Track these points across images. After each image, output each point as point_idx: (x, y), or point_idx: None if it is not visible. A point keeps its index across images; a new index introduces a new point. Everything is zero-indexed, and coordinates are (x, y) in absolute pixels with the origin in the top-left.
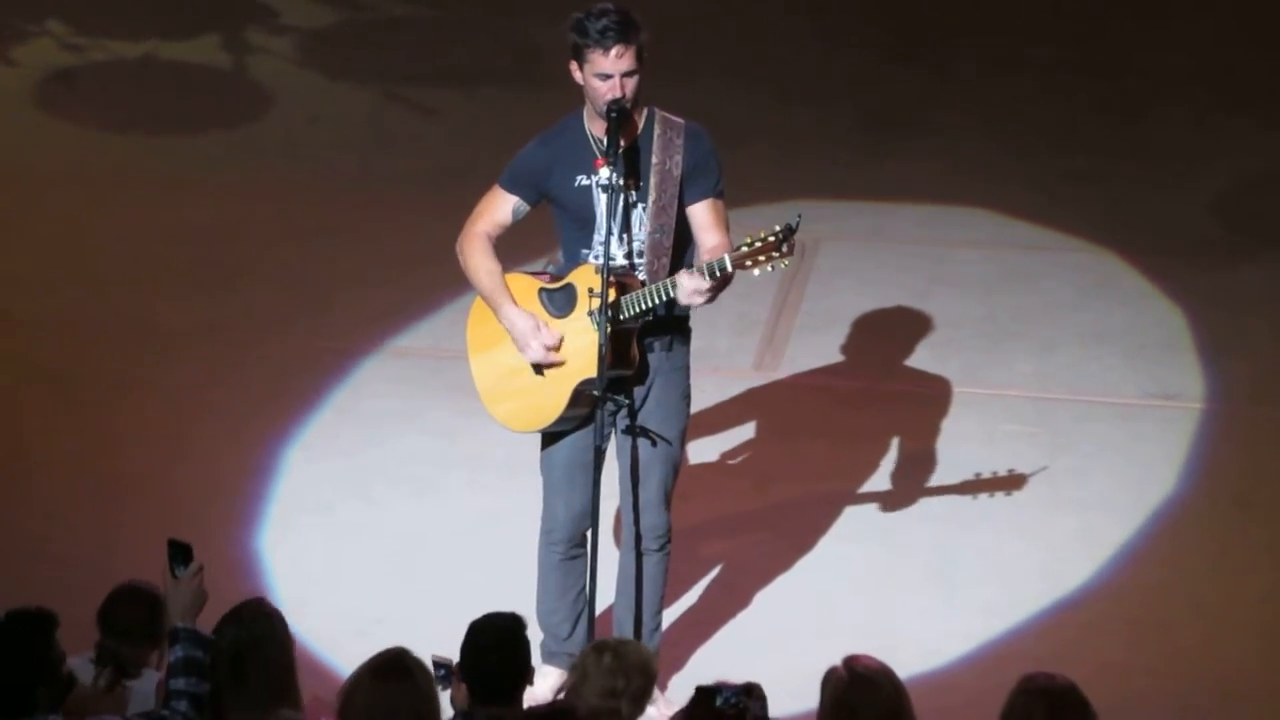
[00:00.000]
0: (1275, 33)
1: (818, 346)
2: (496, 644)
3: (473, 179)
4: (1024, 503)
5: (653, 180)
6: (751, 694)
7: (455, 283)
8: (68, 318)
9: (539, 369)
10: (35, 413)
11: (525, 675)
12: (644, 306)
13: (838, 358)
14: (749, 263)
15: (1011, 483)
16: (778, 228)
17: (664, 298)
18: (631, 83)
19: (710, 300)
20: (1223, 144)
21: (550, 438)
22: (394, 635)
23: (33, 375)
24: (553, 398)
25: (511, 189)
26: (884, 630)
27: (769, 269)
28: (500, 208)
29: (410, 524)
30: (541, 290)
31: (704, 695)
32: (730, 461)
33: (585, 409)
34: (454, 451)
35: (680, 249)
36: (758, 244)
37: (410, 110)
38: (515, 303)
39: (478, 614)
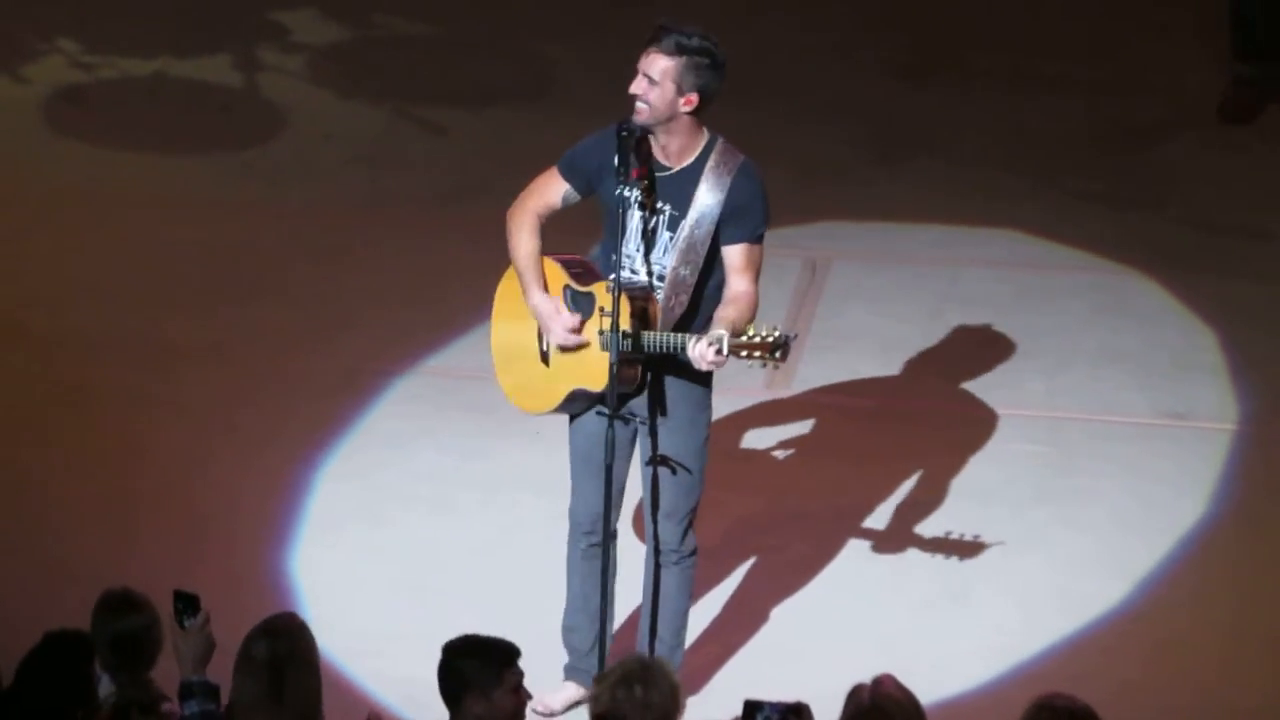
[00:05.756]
0: None
1: (829, 365)
2: (455, 651)
3: (484, 198)
4: (1037, 522)
5: (690, 214)
6: (800, 714)
7: (466, 302)
8: (79, 335)
9: (545, 359)
10: (50, 430)
11: (467, 689)
12: (655, 349)
13: (849, 377)
14: (743, 353)
15: (1024, 502)
16: (774, 335)
17: (676, 349)
18: (653, 92)
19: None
20: (1237, 161)
21: (573, 422)
22: (408, 654)
23: (47, 392)
24: (548, 393)
25: (565, 175)
26: (899, 649)
27: (760, 365)
28: (553, 190)
29: (423, 543)
30: (567, 287)
31: (749, 710)
32: (742, 480)
33: (581, 406)
34: (467, 470)
35: (711, 285)
36: (756, 340)
37: (421, 129)
38: (543, 288)
39: (490, 632)
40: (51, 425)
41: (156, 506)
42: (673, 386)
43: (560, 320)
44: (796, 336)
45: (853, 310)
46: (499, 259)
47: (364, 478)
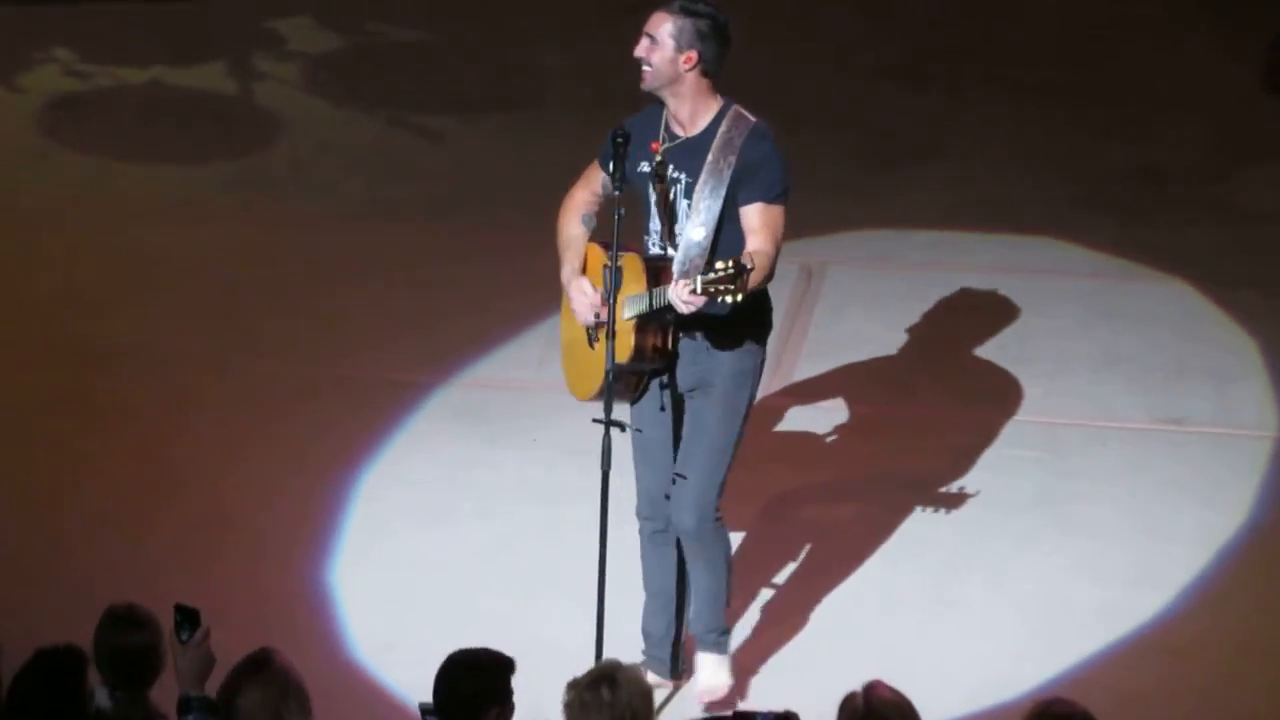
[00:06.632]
0: None
1: (826, 371)
2: (467, 666)
3: (479, 206)
4: (1035, 528)
5: (701, 177)
6: None
7: (462, 309)
8: (77, 345)
9: (591, 343)
10: (50, 442)
11: (486, 704)
12: (657, 306)
13: (845, 383)
14: (712, 289)
15: (1021, 508)
16: (731, 266)
17: (663, 302)
18: (655, 52)
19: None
20: (1231, 166)
21: (632, 412)
22: (404, 663)
23: (45, 403)
24: (593, 374)
25: (601, 163)
26: (896, 657)
27: (726, 300)
28: (593, 179)
29: (419, 551)
30: (606, 266)
31: None
32: (737, 486)
33: (626, 389)
34: (462, 479)
35: (726, 250)
36: (720, 274)
37: (417, 137)
38: (576, 267)
39: (487, 642)
40: (50, 438)
41: (159, 520)
42: (709, 358)
43: (583, 297)
44: (752, 267)
45: (850, 316)
46: (494, 268)
47: (359, 487)
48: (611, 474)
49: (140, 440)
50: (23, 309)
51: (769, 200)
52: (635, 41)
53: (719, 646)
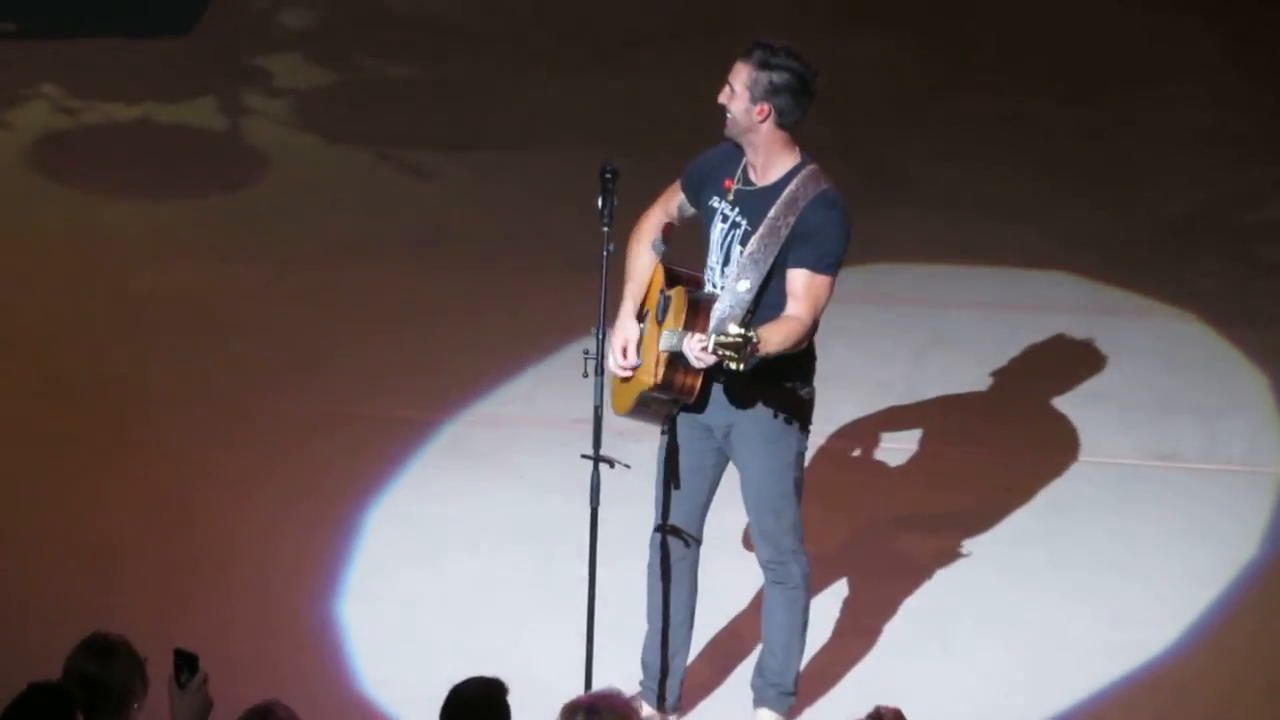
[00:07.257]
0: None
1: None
2: (473, 705)
3: (468, 242)
4: (1027, 563)
5: (761, 229)
6: None
7: (452, 345)
8: (62, 380)
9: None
10: (33, 476)
11: None
12: (673, 348)
13: (833, 418)
14: (720, 352)
15: (1014, 543)
16: (739, 336)
17: (678, 347)
18: (734, 102)
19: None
20: (1226, 198)
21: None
22: (402, 699)
23: (31, 435)
24: (623, 396)
25: (682, 186)
26: (885, 693)
27: (730, 367)
28: (671, 201)
29: (413, 588)
30: (660, 291)
31: None
32: (724, 524)
33: (657, 415)
34: (450, 516)
35: (769, 306)
36: (729, 339)
37: (406, 173)
38: (633, 309)
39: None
40: (42, 475)
41: (138, 554)
42: (746, 408)
43: (619, 340)
44: (757, 341)
45: (835, 351)
46: (483, 304)
47: (345, 523)
48: (601, 510)
49: (135, 480)
50: (12, 345)
51: (817, 269)
52: (719, 89)
53: (779, 705)
